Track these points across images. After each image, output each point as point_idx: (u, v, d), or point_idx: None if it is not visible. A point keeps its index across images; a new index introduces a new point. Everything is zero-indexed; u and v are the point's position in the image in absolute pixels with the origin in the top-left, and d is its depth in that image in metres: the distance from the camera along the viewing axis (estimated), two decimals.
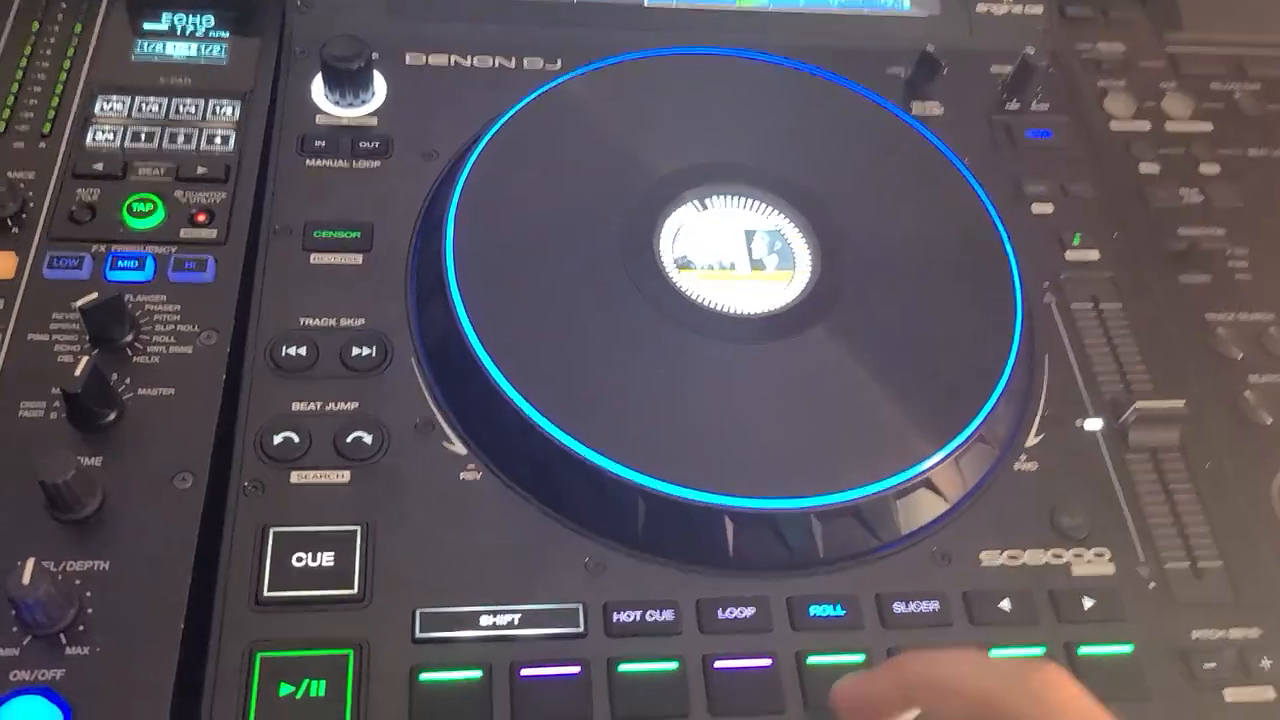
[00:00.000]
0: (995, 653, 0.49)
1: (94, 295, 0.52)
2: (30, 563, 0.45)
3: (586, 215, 0.58)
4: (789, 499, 0.50)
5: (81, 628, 0.46)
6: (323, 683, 0.45)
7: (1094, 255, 0.64)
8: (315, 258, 0.58)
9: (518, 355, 0.52)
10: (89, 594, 0.47)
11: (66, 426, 0.51)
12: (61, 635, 0.46)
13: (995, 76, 0.72)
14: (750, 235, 0.60)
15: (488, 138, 0.60)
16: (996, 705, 0.38)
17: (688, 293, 0.56)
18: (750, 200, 0.61)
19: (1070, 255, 0.64)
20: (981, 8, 0.74)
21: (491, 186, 0.58)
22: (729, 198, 0.61)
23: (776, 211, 0.60)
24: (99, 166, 0.60)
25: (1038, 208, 0.66)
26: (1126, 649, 0.50)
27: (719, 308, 0.56)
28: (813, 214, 0.60)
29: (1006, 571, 0.52)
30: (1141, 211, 0.67)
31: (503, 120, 0.61)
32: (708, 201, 0.60)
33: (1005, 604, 0.51)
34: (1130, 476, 0.56)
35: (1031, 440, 0.56)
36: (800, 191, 0.61)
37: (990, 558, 0.52)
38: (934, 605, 0.50)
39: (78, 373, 0.50)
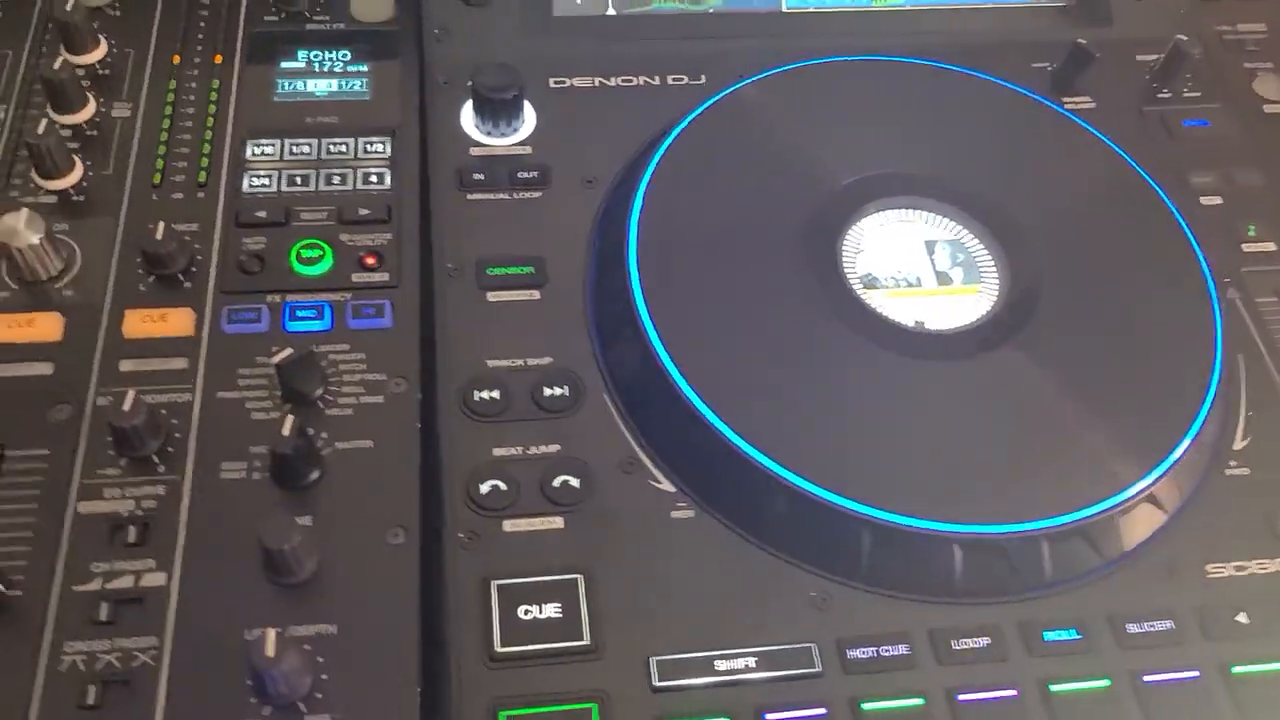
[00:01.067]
0: (1237, 671, 0.48)
1: (289, 351, 0.51)
2: (271, 633, 0.44)
3: (765, 237, 0.57)
4: (1017, 524, 0.49)
5: (319, 695, 0.45)
6: None
7: (1271, 246, 0.63)
8: (492, 295, 0.57)
9: (721, 388, 0.51)
10: (320, 659, 0.46)
11: (271, 487, 0.50)
12: (301, 704, 0.45)
13: (1140, 65, 0.70)
14: (931, 247, 0.58)
15: (655, 161, 0.58)
16: None
17: (884, 314, 0.55)
18: (928, 213, 0.59)
19: (1247, 248, 0.62)
20: None
21: (665, 213, 0.57)
22: (905, 211, 0.59)
23: (955, 222, 0.59)
24: (262, 214, 0.59)
25: (1206, 200, 0.64)
26: None
27: (917, 327, 0.55)
28: (993, 222, 0.59)
29: (1236, 583, 0.51)
30: None
31: (668, 142, 0.59)
32: (884, 216, 0.59)
33: (1242, 618, 0.50)
34: None
35: (1239, 444, 0.55)
36: (977, 199, 0.59)
37: (1217, 570, 0.51)
38: (1169, 624, 0.49)
39: (285, 431, 0.49)
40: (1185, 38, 0.67)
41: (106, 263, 0.57)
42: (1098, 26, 0.71)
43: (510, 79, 0.61)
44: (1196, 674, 0.48)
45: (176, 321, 0.55)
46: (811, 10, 0.69)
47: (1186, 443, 0.52)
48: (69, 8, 0.62)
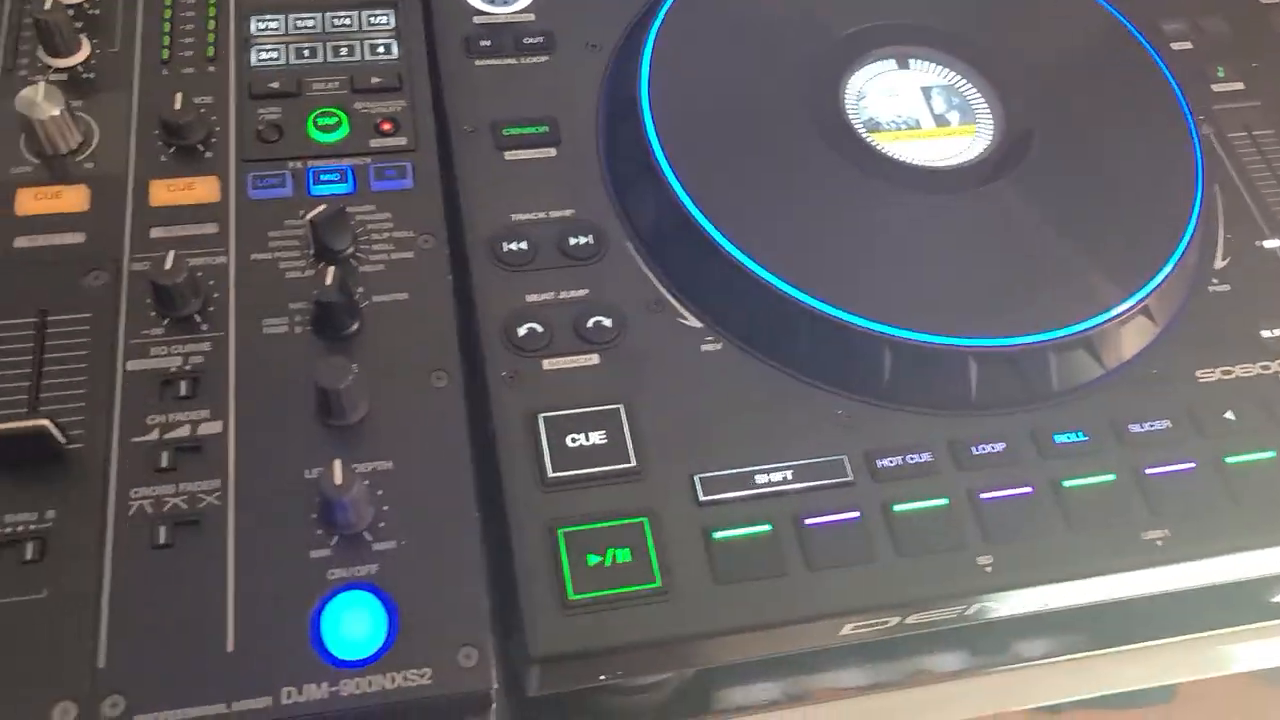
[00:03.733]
0: (1229, 460, 0.52)
1: (322, 206, 0.53)
2: (338, 463, 0.46)
3: (771, 86, 0.59)
4: (1027, 335, 0.52)
5: (383, 524, 0.48)
6: (627, 550, 0.47)
7: (1239, 86, 0.66)
8: (510, 154, 0.58)
9: (742, 224, 0.53)
10: (380, 492, 0.48)
11: (313, 339, 0.52)
12: (366, 533, 0.47)
13: None
14: (927, 93, 0.61)
15: (661, 17, 0.60)
16: None
17: (889, 153, 0.57)
18: (924, 61, 0.62)
19: (1217, 88, 0.66)
20: None
21: (674, 66, 0.59)
22: (904, 59, 0.62)
23: (950, 70, 0.62)
24: (275, 85, 0.60)
25: (1177, 45, 0.67)
26: None
27: (922, 163, 0.57)
28: (985, 68, 0.61)
29: (1224, 386, 0.55)
30: (1271, 40, 0.69)
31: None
32: (882, 65, 0.61)
33: (1229, 414, 0.54)
34: None
35: (1220, 263, 0.59)
36: (970, 47, 0.62)
37: (1206, 375, 0.55)
38: (1166, 424, 0.53)
39: (328, 281, 0.50)
40: None
41: (125, 136, 0.57)
42: None
43: None
44: (1193, 465, 0.52)
45: (203, 189, 0.56)
46: None
47: (1174, 261, 0.55)
48: None
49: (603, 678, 0.48)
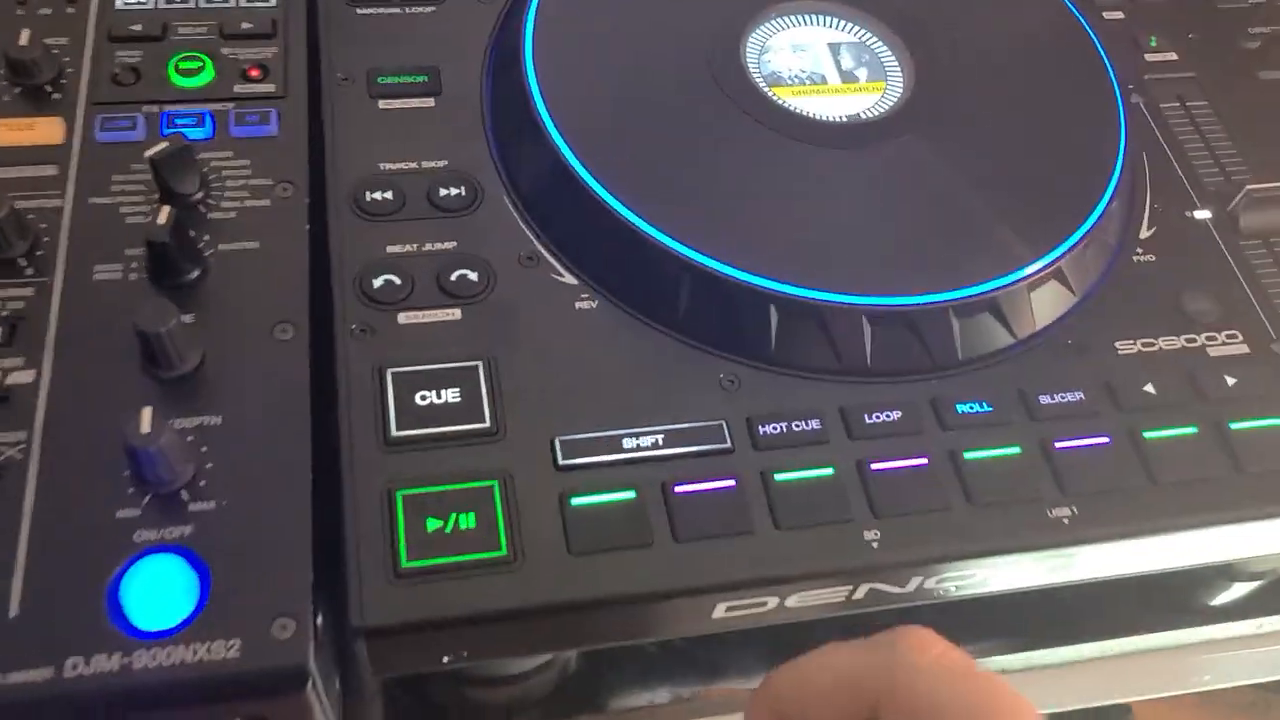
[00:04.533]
0: (1148, 435, 0.48)
1: (164, 144, 0.49)
2: (147, 411, 0.41)
3: (667, 38, 0.55)
4: (927, 294, 0.48)
5: (203, 483, 0.43)
6: (471, 515, 0.43)
7: (1173, 56, 0.63)
8: (384, 104, 0.54)
9: (627, 180, 0.49)
10: (204, 449, 0.44)
11: (148, 286, 0.48)
12: (183, 492, 0.43)
13: None
14: (836, 49, 0.57)
15: None
16: (869, 686, 0.34)
17: (787, 104, 0.53)
18: (830, 17, 0.58)
19: (1150, 57, 0.62)
20: None
21: (562, 19, 0.55)
22: (809, 16, 0.58)
23: (858, 26, 0.58)
24: (137, 28, 0.56)
25: (1108, 14, 0.64)
26: (1278, 421, 0.49)
27: (823, 116, 0.53)
28: (895, 23, 0.58)
29: (1144, 358, 0.51)
30: (1207, 14, 0.65)
31: None
32: (788, 20, 0.58)
33: (1149, 388, 0.49)
34: (1248, 262, 0.54)
35: (1145, 233, 0.55)
36: (884, 2, 0.58)
37: (1125, 347, 0.51)
38: (1079, 395, 0.49)
39: (161, 221, 0.46)
40: None
41: None
42: None
43: None
44: (1107, 439, 0.47)
45: (45, 130, 0.52)
46: None
47: (1090, 224, 0.51)
48: None
49: (446, 659, 0.43)
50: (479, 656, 0.44)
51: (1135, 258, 0.54)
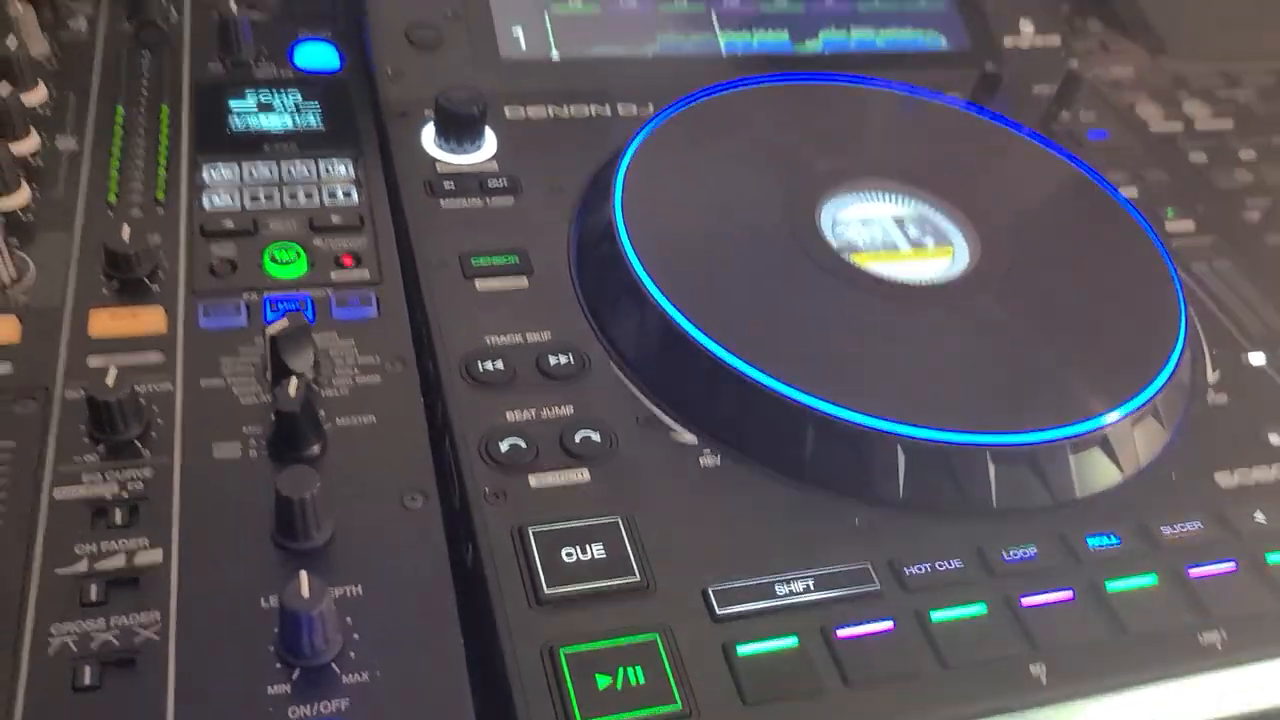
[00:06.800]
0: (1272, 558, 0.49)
1: (284, 322, 0.49)
2: (304, 575, 0.39)
3: (744, 210, 0.58)
4: (1045, 430, 0.49)
5: (353, 654, 0.41)
6: (639, 669, 0.41)
7: (1190, 225, 0.68)
8: (480, 284, 0.55)
9: (739, 338, 0.51)
10: (349, 619, 0.42)
11: (270, 463, 0.47)
12: (333, 664, 0.40)
13: (1038, 96, 0.76)
14: (900, 221, 0.61)
15: (632, 149, 0.60)
16: None
17: (869, 269, 0.56)
18: (899, 195, 0.62)
19: (1170, 227, 0.67)
20: (1008, 41, 0.80)
21: (645, 197, 0.58)
22: (876, 194, 0.62)
23: (922, 201, 0.62)
24: (228, 224, 0.57)
25: (1126, 191, 0.69)
26: None
27: (909, 279, 0.56)
28: (951, 197, 0.62)
29: (1245, 489, 0.52)
30: (1208, 192, 0.71)
31: (644, 134, 0.61)
32: (855, 196, 0.61)
33: (1259, 516, 0.51)
34: None
35: (1213, 377, 0.57)
36: (942, 181, 0.62)
37: (1225, 479, 0.52)
38: (1198, 525, 0.50)
39: (291, 392, 0.46)
40: (1076, 63, 0.74)
41: (64, 271, 0.53)
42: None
43: (474, 96, 0.62)
44: (1233, 565, 0.48)
45: (148, 319, 0.52)
46: (745, 55, 0.74)
47: (1173, 364, 0.54)
48: (11, 45, 0.61)
49: None
50: None
51: (1210, 398, 0.56)
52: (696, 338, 0.51)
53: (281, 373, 0.49)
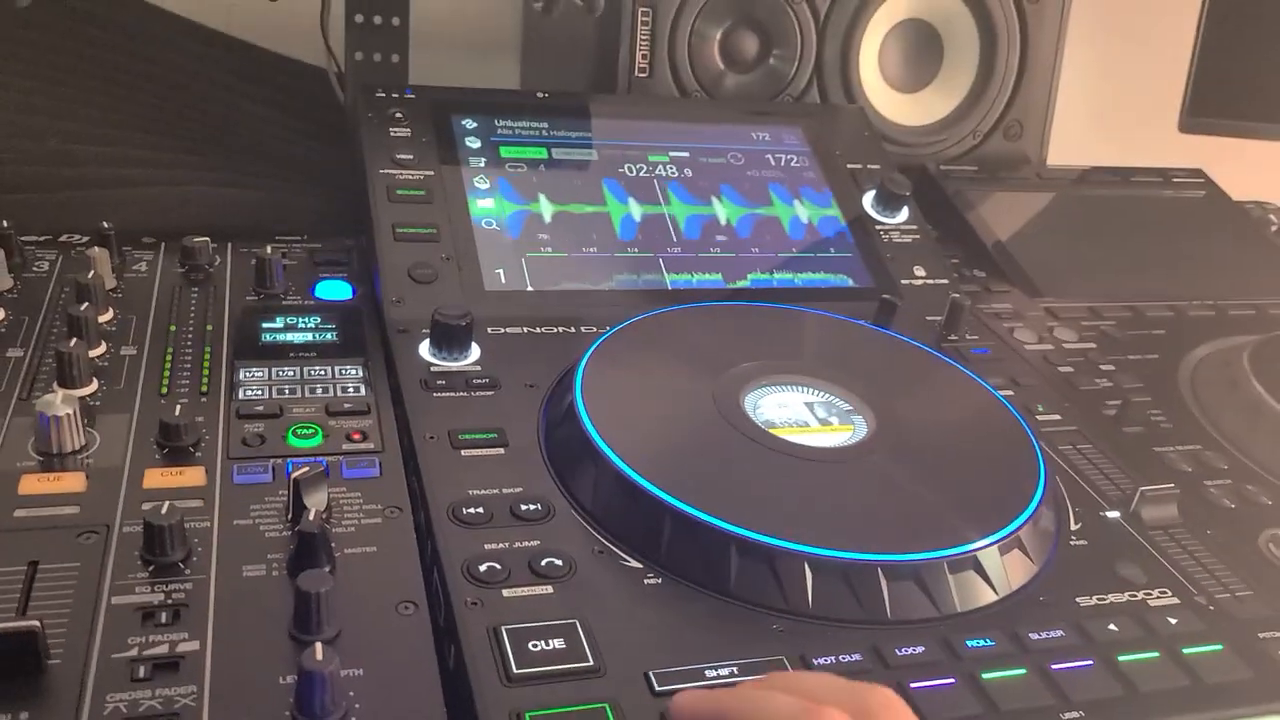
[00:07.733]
0: (1121, 658, 0.59)
1: (306, 469, 0.60)
2: (319, 644, 0.49)
3: (685, 398, 0.71)
4: (926, 552, 0.60)
5: None
6: None
7: (1058, 417, 0.81)
8: (465, 453, 0.67)
9: (678, 487, 0.62)
10: (351, 693, 0.51)
11: (288, 580, 0.57)
12: None
13: (930, 322, 0.92)
14: (810, 406, 0.74)
15: (592, 349, 0.74)
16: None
17: (785, 438, 0.69)
18: (809, 387, 0.76)
19: (1040, 418, 0.81)
20: (905, 281, 0.96)
21: (600, 388, 0.71)
22: (790, 385, 0.75)
23: (829, 394, 0.75)
24: (259, 409, 0.69)
25: (1003, 391, 0.83)
26: (1218, 647, 0.60)
27: (812, 444, 0.69)
28: (859, 389, 0.75)
29: (1100, 608, 0.63)
30: (1071, 394, 0.86)
31: (602, 339, 0.75)
32: (773, 388, 0.75)
33: (1112, 626, 0.61)
34: (1156, 543, 0.69)
35: (1074, 526, 0.69)
36: (846, 375, 0.76)
37: (1084, 600, 0.63)
38: (1061, 633, 0.60)
39: (311, 517, 0.57)
40: (959, 295, 0.90)
41: (124, 441, 0.65)
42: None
43: (463, 311, 0.76)
44: (1090, 663, 0.58)
45: (192, 475, 0.63)
46: (686, 289, 0.89)
47: (1034, 506, 0.66)
48: (90, 275, 0.75)
49: None
50: None
51: (1073, 542, 0.68)
52: (643, 484, 0.62)
53: (301, 511, 0.60)
